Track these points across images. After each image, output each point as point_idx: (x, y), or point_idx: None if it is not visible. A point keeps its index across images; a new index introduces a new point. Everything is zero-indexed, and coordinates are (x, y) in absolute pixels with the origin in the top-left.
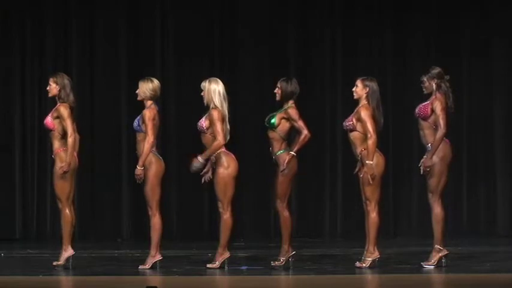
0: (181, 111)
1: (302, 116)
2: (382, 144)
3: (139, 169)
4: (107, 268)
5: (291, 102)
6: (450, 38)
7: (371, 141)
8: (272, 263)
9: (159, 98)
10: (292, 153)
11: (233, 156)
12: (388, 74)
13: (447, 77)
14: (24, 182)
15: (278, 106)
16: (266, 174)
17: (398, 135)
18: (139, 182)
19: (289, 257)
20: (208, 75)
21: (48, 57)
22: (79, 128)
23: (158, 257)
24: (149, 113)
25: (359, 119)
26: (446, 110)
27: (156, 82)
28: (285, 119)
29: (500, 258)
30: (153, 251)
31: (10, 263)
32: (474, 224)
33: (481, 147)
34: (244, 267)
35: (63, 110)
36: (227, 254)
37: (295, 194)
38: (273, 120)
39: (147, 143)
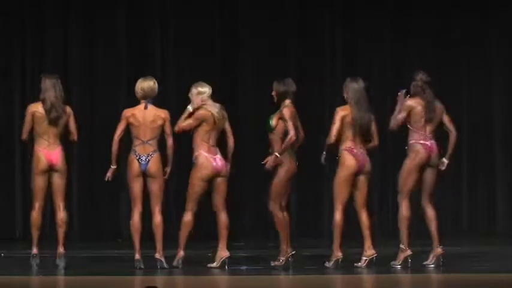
0: (181, 111)
1: (302, 116)
2: (382, 145)
3: (110, 168)
4: (107, 268)
5: (287, 102)
6: (450, 38)
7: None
8: (272, 263)
9: (150, 97)
10: (276, 154)
11: (216, 157)
12: (388, 74)
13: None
14: (24, 182)
15: (277, 107)
16: (266, 175)
17: (398, 135)
18: (107, 179)
19: (289, 257)
20: (209, 75)
21: (48, 57)
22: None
23: (136, 256)
24: (124, 112)
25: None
26: (403, 109)
27: (147, 82)
28: (282, 119)
29: (500, 258)
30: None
31: (10, 263)
32: (474, 224)
33: (481, 147)
34: (244, 267)
35: (27, 109)
36: (182, 253)
37: (295, 194)
38: (270, 123)
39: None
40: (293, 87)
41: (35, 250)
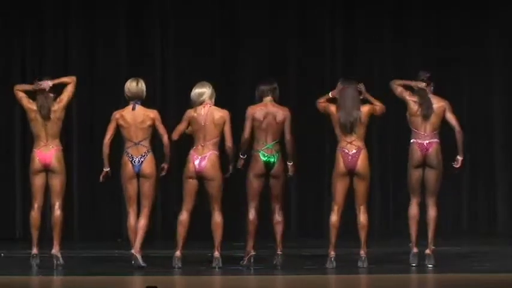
0: (182, 111)
1: (302, 116)
2: (381, 144)
3: (103, 170)
4: (107, 268)
5: (266, 99)
6: (450, 38)
7: None
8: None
9: (137, 98)
10: (241, 156)
11: (200, 157)
12: (388, 74)
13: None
14: (24, 182)
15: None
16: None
17: (398, 135)
18: (100, 181)
19: (251, 257)
20: (209, 75)
21: (48, 57)
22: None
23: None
24: (113, 114)
25: None
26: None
27: (131, 83)
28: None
29: (500, 258)
30: None
31: (10, 263)
32: (474, 224)
33: (481, 147)
34: (243, 267)
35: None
36: (179, 253)
37: (295, 194)
38: None
39: None
40: (269, 85)
41: (35, 250)
